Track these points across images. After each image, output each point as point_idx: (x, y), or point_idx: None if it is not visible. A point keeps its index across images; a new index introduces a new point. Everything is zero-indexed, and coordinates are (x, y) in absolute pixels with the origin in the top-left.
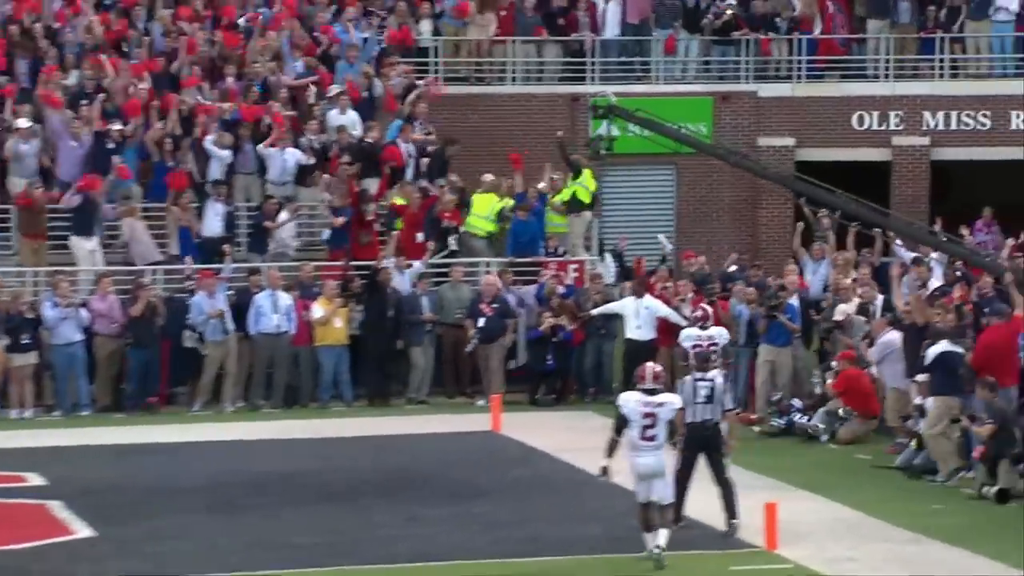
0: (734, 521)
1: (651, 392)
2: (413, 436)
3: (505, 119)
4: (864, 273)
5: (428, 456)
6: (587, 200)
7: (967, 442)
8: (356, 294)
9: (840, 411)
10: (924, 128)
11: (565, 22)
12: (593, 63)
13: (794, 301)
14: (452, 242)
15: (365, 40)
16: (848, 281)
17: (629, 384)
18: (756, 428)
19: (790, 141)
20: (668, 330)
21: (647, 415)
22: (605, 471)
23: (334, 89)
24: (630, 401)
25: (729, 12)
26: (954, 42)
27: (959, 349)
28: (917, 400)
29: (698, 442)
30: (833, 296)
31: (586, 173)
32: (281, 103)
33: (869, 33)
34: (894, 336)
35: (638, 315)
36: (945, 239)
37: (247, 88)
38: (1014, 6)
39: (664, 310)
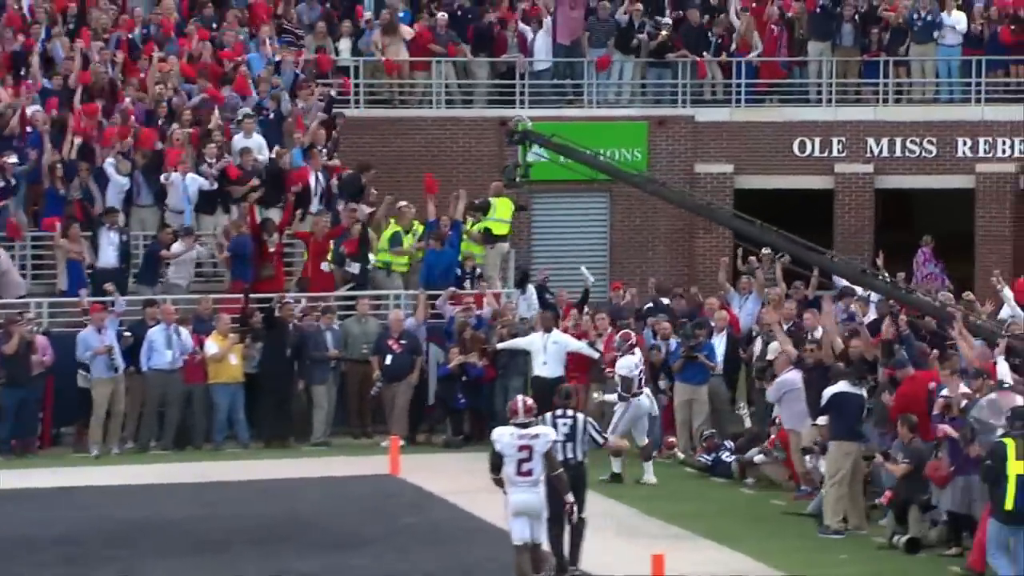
0: (574, 571)
1: (524, 425)
2: (305, 480)
3: (431, 144)
4: (790, 308)
5: (317, 502)
6: (502, 231)
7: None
8: (254, 330)
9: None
10: (868, 155)
11: (494, 43)
12: (523, 86)
13: (719, 339)
14: (354, 269)
15: (278, 63)
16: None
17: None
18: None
19: (728, 168)
20: (583, 366)
21: (523, 448)
22: None
23: (240, 113)
24: (504, 436)
25: (664, 32)
26: (898, 66)
27: (857, 391)
28: (812, 442)
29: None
30: (764, 334)
31: (497, 204)
32: (182, 127)
33: (810, 56)
34: (794, 376)
35: (545, 350)
36: (880, 279)
37: (149, 112)
38: (961, 27)
39: (574, 344)
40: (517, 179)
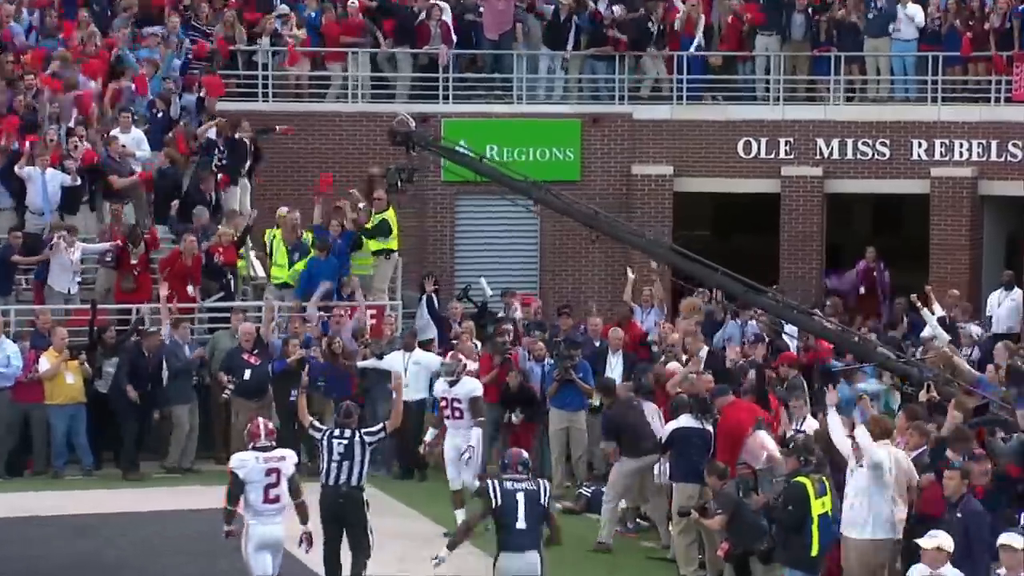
0: None
1: (266, 449)
2: (136, 515)
3: (345, 140)
4: (695, 323)
5: (137, 541)
6: (394, 246)
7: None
8: (106, 347)
9: None
10: (817, 157)
11: (417, 35)
12: (447, 79)
13: (615, 359)
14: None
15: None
16: (676, 335)
17: (401, 453)
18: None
19: (668, 169)
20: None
21: (270, 471)
22: None
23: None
24: (248, 462)
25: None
26: (850, 62)
27: (699, 425)
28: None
29: (334, 510)
30: (663, 349)
31: (391, 219)
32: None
33: (757, 50)
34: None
35: (406, 371)
36: (826, 322)
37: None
38: (918, 20)
39: (438, 362)
40: (399, 184)
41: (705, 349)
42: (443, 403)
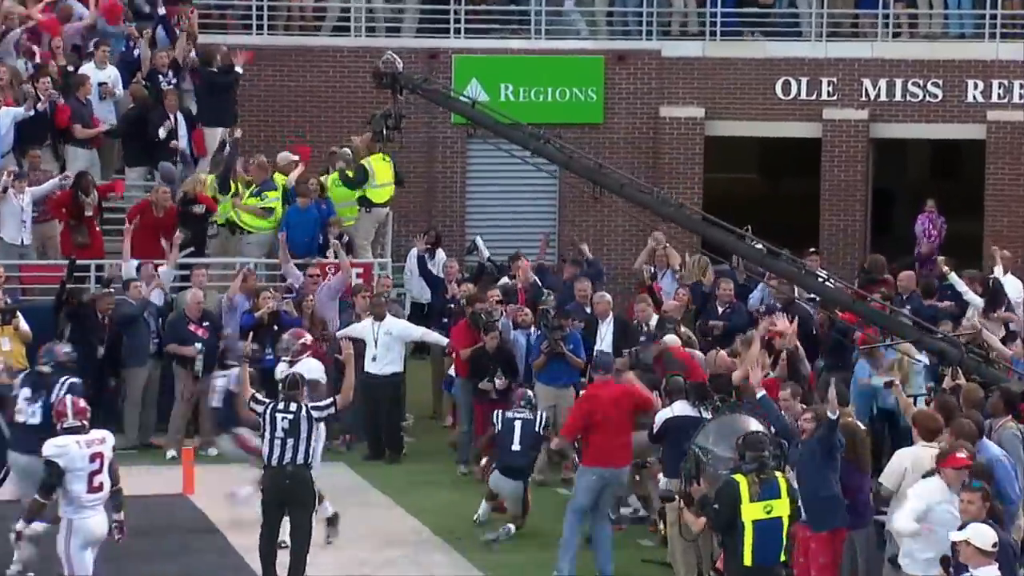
0: None
1: (79, 430)
2: None
3: (346, 78)
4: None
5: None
6: (382, 199)
7: None
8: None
9: None
10: (862, 99)
11: None
12: (458, 12)
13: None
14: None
15: None
16: (675, 303)
17: (372, 432)
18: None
19: (699, 112)
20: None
21: (94, 456)
22: None
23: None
24: (69, 447)
25: None
26: None
27: (695, 414)
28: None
29: (278, 491)
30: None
31: (375, 167)
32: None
33: None
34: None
35: (376, 343)
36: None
37: None
38: None
39: (416, 332)
40: (385, 132)
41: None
42: None
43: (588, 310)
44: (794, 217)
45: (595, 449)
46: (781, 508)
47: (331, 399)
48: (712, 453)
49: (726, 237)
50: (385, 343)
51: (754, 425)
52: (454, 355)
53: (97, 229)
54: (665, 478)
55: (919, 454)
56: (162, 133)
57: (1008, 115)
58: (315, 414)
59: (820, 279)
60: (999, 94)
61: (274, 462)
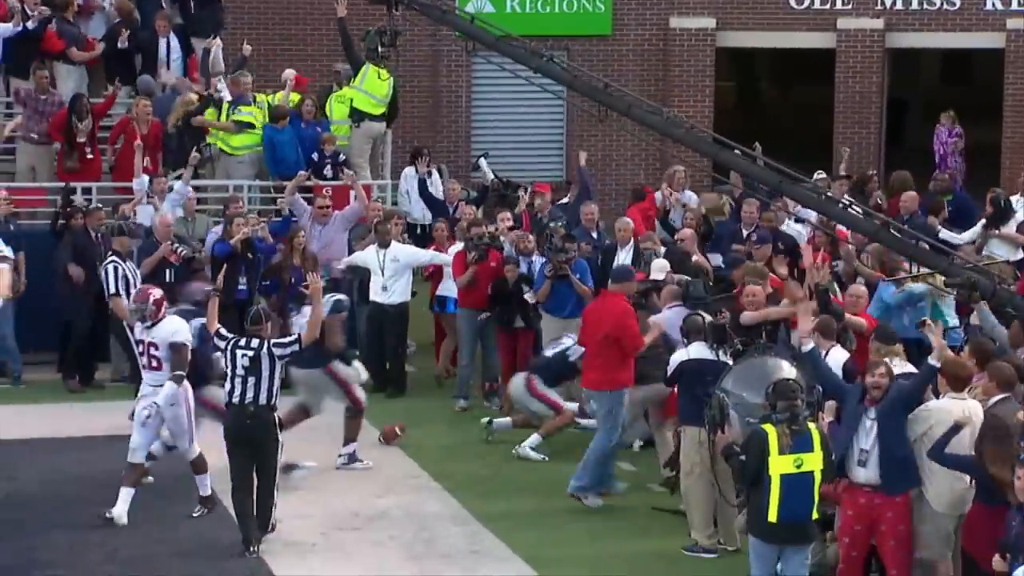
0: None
1: None
2: (47, 441)
3: None
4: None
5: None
6: (375, 111)
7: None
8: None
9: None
10: (878, 7)
11: None
12: None
13: (624, 253)
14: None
15: None
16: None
17: (377, 363)
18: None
19: (710, 22)
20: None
21: None
22: None
23: None
24: None
25: None
26: None
27: (714, 357)
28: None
29: (240, 430)
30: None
31: (368, 74)
32: None
33: None
34: (672, 315)
35: (382, 271)
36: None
37: None
38: None
39: (424, 256)
40: (380, 50)
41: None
42: (139, 348)
43: (595, 235)
44: (807, 128)
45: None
46: (813, 462)
47: (296, 335)
48: (740, 398)
49: (739, 160)
50: (393, 270)
51: (786, 369)
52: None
53: (89, 156)
54: (684, 427)
55: (946, 408)
56: (120, 44)
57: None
58: (277, 352)
59: (842, 205)
60: (1019, 1)
61: (235, 399)
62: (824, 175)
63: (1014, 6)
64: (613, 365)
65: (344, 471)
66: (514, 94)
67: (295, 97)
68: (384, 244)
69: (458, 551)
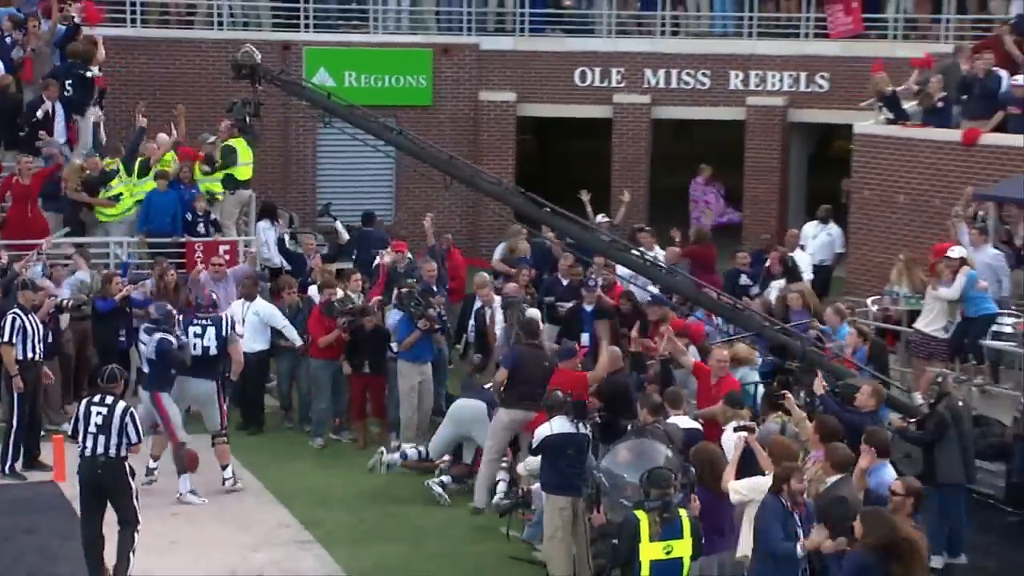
0: None
1: None
2: None
3: (210, 66)
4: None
5: None
6: (246, 176)
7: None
8: None
9: None
10: (645, 86)
11: None
12: (308, 9)
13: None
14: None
15: None
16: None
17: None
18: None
19: (512, 96)
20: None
21: None
22: None
23: None
24: None
25: None
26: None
27: (574, 430)
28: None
29: (91, 482)
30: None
31: (239, 148)
32: None
33: None
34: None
35: (243, 321)
36: (643, 260)
37: None
38: None
39: (279, 321)
40: (247, 119)
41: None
42: None
43: (434, 287)
44: (592, 186)
45: None
46: (682, 548)
47: (139, 437)
48: (617, 479)
49: (570, 227)
50: (252, 323)
51: (662, 452)
52: (311, 341)
53: None
54: (548, 495)
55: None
56: (39, 114)
57: (763, 100)
58: (128, 422)
59: (663, 270)
60: (755, 83)
61: (87, 453)
62: (606, 218)
63: (751, 86)
64: None
65: (219, 516)
66: (352, 153)
67: (168, 158)
68: (250, 297)
69: None
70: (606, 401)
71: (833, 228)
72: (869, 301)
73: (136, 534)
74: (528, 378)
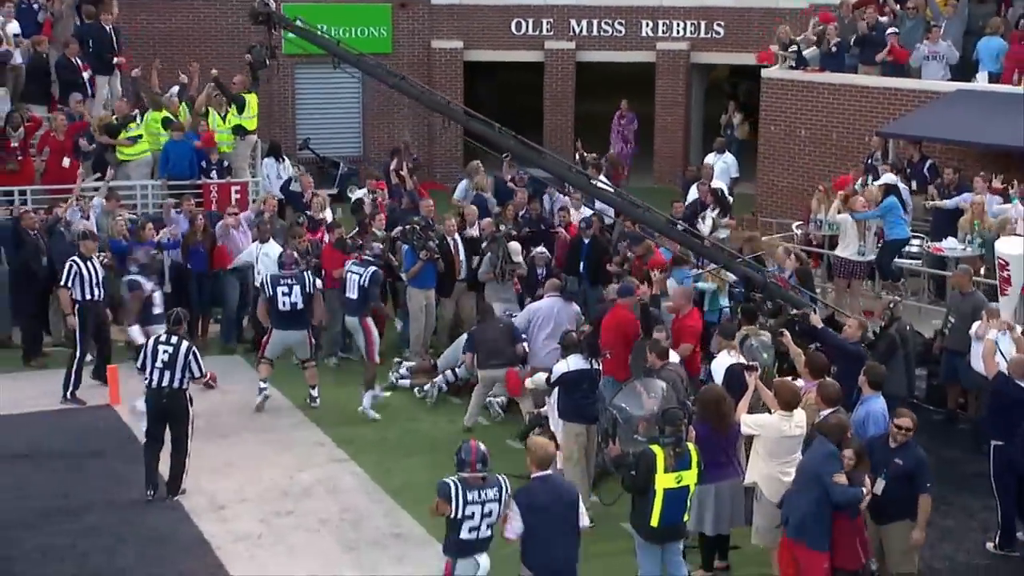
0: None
1: None
2: None
3: (201, 21)
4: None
5: None
6: (253, 127)
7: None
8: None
9: None
10: (571, 33)
11: None
12: None
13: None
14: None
15: None
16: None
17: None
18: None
19: (459, 44)
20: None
21: None
22: None
23: None
24: None
25: None
26: None
27: (588, 366)
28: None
29: (157, 409)
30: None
31: (249, 100)
32: None
33: None
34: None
35: (257, 261)
36: (591, 180)
37: None
38: None
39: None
40: (267, 61)
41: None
42: None
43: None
44: (526, 120)
45: None
46: (689, 478)
47: (203, 372)
48: (627, 413)
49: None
50: (265, 262)
51: (663, 389)
52: (324, 273)
53: (19, 157)
54: (564, 421)
55: (775, 425)
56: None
57: (670, 45)
58: (191, 360)
59: (639, 207)
60: (663, 30)
61: (153, 385)
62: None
63: (660, 33)
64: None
65: (263, 438)
66: (326, 94)
67: (182, 111)
68: (264, 239)
69: (383, 535)
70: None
71: (728, 157)
72: (794, 226)
73: (187, 458)
74: (491, 344)
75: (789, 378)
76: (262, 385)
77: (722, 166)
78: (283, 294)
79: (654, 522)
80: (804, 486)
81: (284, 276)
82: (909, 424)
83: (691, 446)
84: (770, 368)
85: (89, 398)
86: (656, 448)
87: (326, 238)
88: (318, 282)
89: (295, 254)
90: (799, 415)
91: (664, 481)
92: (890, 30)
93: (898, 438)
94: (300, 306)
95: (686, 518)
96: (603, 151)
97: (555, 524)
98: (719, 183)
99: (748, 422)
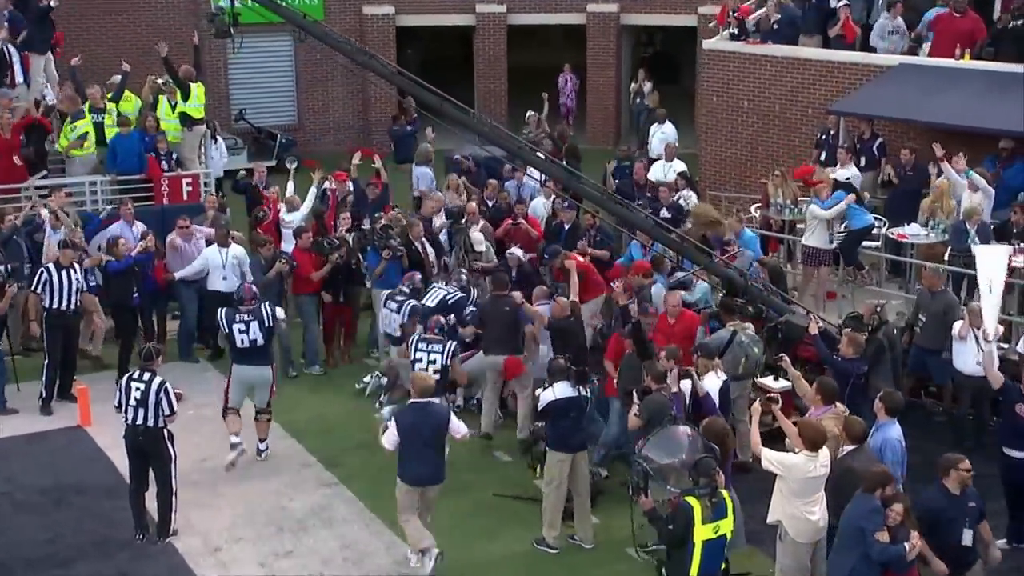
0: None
1: None
2: None
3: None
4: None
5: None
6: (200, 115)
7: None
8: None
9: None
10: None
11: None
12: None
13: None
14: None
15: None
16: (473, 204)
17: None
18: None
19: (391, 10)
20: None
21: None
22: None
23: None
24: None
25: None
26: None
27: (576, 393)
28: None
29: (135, 448)
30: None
31: (195, 89)
32: None
33: None
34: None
35: (224, 266)
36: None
37: None
38: None
39: (248, 270)
40: (231, 29)
41: None
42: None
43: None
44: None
45: None
46: (726, 526)
47: (173, 411)
48: (657, 466)
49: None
50: (231, 265)
51: (690, 437)
52: (297, 274)
53: None
54: (549, 449)
55: (800, 467)
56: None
57: (600, 7)
58: (163, 397)
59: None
60: None
61: (129, 423)
62: (534, 114)
63: None
64: None
65: (246, 460)
66: (258, 64)
67: (131, 104)
68: (223, 244)
69: None
70: (556, 338)
71: (668, 127)
72: (753, 208)
73: (174, 497)
74: (497, 331)
75: (772, 377)
76: (234, 440)
77: (661, 136)
78: (239, 332)
79: (693, 574)
80: (846, 544)
81: (240, 312)
82: (969, 466)
83: (725, 493)
84: (760, 363)
85: (58, 418)
86: (692, 500)
87: (281, 212)
88: (279, 312)
89: (254, 289)
90: (823, 454)
91: (702, 533)
92: (842, 2)
93: (967, 481)
94: (260, 342)
95: (723, 567)
96: (534, 106)
97: (422, 443)
98: (680, 165)
99: (772, 460)
